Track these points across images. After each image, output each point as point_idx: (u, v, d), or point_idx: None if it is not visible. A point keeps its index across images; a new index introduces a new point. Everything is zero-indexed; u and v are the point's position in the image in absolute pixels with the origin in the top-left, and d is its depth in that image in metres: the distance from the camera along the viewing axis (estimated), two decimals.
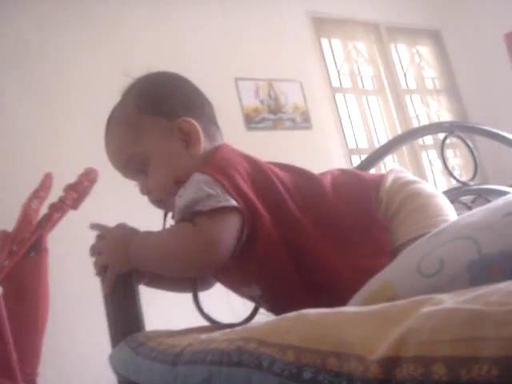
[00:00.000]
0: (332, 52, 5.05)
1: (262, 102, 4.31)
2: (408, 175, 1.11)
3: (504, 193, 1.62)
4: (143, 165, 1.08)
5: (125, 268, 1.05)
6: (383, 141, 4.73)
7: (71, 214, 2.46)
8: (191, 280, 1.18)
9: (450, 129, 1.75)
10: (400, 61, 5.51)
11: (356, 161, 4.63)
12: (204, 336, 0.76)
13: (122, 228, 1.09)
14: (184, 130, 1.08)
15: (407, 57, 5.58)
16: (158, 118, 1.09)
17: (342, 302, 0.82)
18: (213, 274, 1.13)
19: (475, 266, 0.66)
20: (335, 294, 0.93)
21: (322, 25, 4.92)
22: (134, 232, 1.07)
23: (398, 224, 1.01)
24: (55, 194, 2.42)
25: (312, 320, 0.57)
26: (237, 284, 1.08)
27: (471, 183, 1.68)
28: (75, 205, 2.43)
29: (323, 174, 1.11)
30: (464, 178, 1.71)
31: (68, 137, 3.35)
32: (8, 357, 2.19)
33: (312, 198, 1.03)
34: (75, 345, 2.94)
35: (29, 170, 2.98)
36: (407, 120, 5.18)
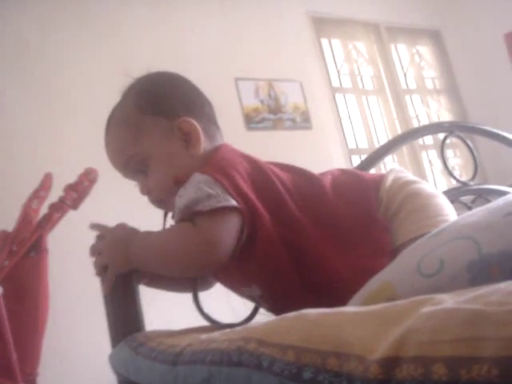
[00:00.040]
0: (332, 52, 5.05)
1: (261, 101, 4.31)
2: (408, 175, 1.11)
3: (504, 193, 1.62)
4: (143, 165, 1.08)
5: (125, 268, 1.05)
6: (383, 141, 4.73)
7: (71, 214, 2.46)
8: (191, 280, 1.18)
9: (450, 129, 1.75)
10: (400, 61, 5.51)
11: (356, 161, 4.63)
12: (204, 336, 0.76)
13: (122, 228, 1.09)
14: (184, 129, 1.08)
15: (407, 57, 5.58)
16: (157, 118, 1.09)
17: (342, 301, 0.82)
18: (213, 274, 1.13)
19: (475, 266, 0.66)
20: (335, 294, 0.93)
21: (322, 25, 4.92)
22: (134, 232, 1.07)
23: (398, 224, 1.01)
24: (55, 194, 2.42)
25: (312, 320, 0.57)
26: (237, 284, 1.08)
27: (471, 183, 1.68)
28: (75, 205, 2.43)
29: (323, 174, 1.11)
30: (464, 178, 1.71)
31: (68, 137, 3.35)
32: (8, 357, 2.19)
33: (312, 198, 1.03)
34: (75, 345, 2.94)
35: (29, 169, 2.98)
36: (407, 120, 5.18)
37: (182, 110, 1.10)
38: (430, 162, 5.24)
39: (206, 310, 1.21)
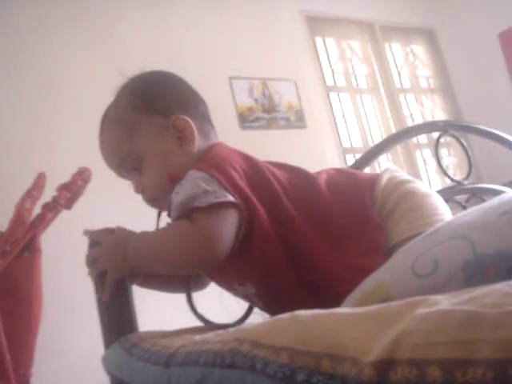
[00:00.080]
0: (326, 51, 5.05)
1: (256, 100, 4.30)
2: (403, 174, 1.11)
3: (498, 192, 1.62)
4: (137, 163, 1.08)
5: (124, 272, 1.04)
6: (377, 140, 4.74)
7: (65, 214, 2.45)
8: (185, 280, 1.18)
9: (444, 128, 1.75)
10: (394, 60, 5.52)
11: (350, 160, 4.63)
12: (197, 337, 0.75)
13: (119, 232, 1.08)
14: (178, 127, 1.08)
15: (401, 56, 5.59)
16: (152, 116, 1.09)
17: (337, 300, 0.82)
18: (207, 273, 1.13)
19: (470, 265, 0.66)
20: (329, 292, 0.94)
21: (316, 24, 4.92)
22: (130, 235, 1.06)
23: (393, 223, 1.01)
24: (49, 194, 2.41)
25: (306, 321, 0.57)
26: (231, 283, 1.08)
27: (465, 182, 1.68)
28: (69, 204, 2.42)
29: (318, 173, 1.11)
30: (458, 177, 1.71)
31: (61, 136, 3.34)
32: (1, 357, 2.18)
33: (307, 197, 1.03)
34: (69, 345, 2.93)
35: (22, 169, 2.96)
36: (401, 119, 5.19)
37: (176, 109, 1.10)
38: (424, 160, 5.24)
39: (200, 310, 1.21)
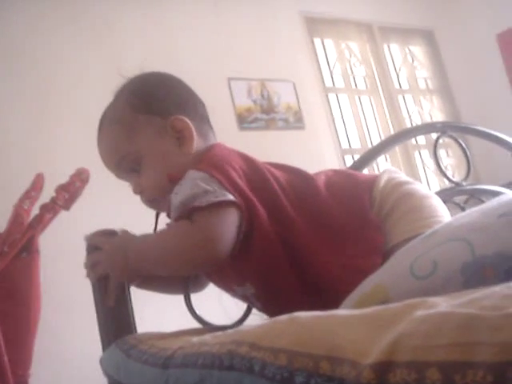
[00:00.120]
0: (325, 52, 5.04)
1: (254, 101, 4.30)
2: (401, 176, 1.11)
3: (497, 193, 1.62)
4: (136, 163, 1.08)
5: (125, 276, 1.04)
6: (376, 141, 4.74)
7: (63, 215, 2.45)
8: (183, 282, 1.17)
9: (442, 129, 1.75)
10: (393, 61, 5.52)
11: (349, 161, 4.63)
12: (195, 339, 0.75)
13: (122, 235, 1.07)
14: (177, 127, 1.08)
15: (400, 57, 5.59)
16: (151, 117, 1.09)
17: (335, 301, 0.82)
18: (206, 274, 1.13)
19: (469, 267, 0.66)
20: (329, 293, 0.94)
21: (315, 25, 4.92)
22: (131, 238, 1.06)
23: (392, 225, 1.01)
24: (47, 195, 2.41)
25: (304, 323, 0.57)
26: (230, 284, 1.08)
27: (464, 183, 1.68)
28: (67, 205, 2.41)
29: (317, 174, 1.11)
30: (457, 178, 1.71)
31: (60, 137, 3.34)
32: None
33: (306, 198, 1.03)
34: (67, 346, 2.93)
35: (21, 170, 2.96)
36: (400, 120, 5.19)
37: (174, 109, 1.10)
38: (422, 162, 5.24)
39: (198, 311, 1.21)
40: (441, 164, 1.72)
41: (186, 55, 3.94)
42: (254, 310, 1.15)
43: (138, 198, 1.11)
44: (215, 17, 4.29)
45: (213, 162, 1.00)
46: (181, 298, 1.21)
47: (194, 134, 1.08)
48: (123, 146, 1.08)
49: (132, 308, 1.07)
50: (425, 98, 5.55)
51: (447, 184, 1.72)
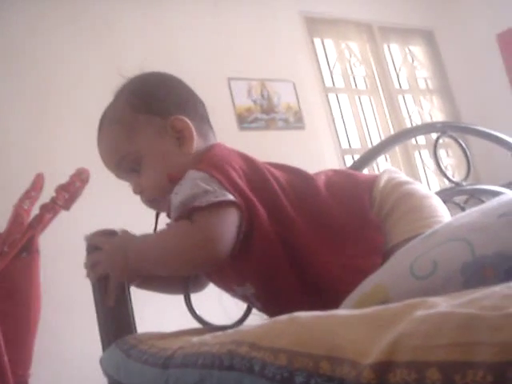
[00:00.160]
0: (325, 52, 5.04)
1: (254, 101, 4.30)
2: (401, 176, 1.11)
3: (497, 193, 1.62)
4: (136, 163, 1.08)
5: (125, 276, 1.04)
6: (376, 141, 4.74)
7: (63, 215, 2.45)
8: (183, 282, 1.17)
9: (442, 129, 1.75)
10: (393, 61, 5.51)
11: (349, 161, 4.63)
12: (195, 339, 0.75)
13: (122, 235, 1.07)
14: (177, 127, 1.08)
15: (400, 57, 5.59)
16: (151, 117, 1.09)
17: (335, 301, 0.82)
18: (206, 274, 1.13)
19: (469, 267, 0.66)
20: (328, 293, 0.94)
21: (315, 25, 4.92)
22: (131, 238, 1.06)
23: (392, 225, 1.01)
24: (47, 195, 2.41)
25: (304, 323, 0.57)
26: (230, 283, 1.08)
27: (464, 183, 1.68)
28: (67, 205, 2.41)
29: (317, 174, 1.11)
30: (457, 178, 1.71)
31: (60, 137, 3.33)
32: None
33: (306, 198, 1.03)
34: (67, 346, 2.93)
35: (21, 170, 2.96)
36: (400, 120, 5.18)
37: (174, 109, 1.10)
38: (422, 162, 5.24)
39: (198, 311, 1.21)
40: (441, 164, 1.72)
41: (185, 55, 3.94)
42: (254, 310, 1.15)
43: (137, 198, 1.11)
44: (215, 17, 4.29)
45: (213, 161, 1.00)
46: (181, 298, 1.21)
47: (194, 133, 1.08)
48: (123, 146, 1.08)
49: (132, 308, 1.07)
50: (425, 98, 5.55)
51: (447, 184, 1.72)
